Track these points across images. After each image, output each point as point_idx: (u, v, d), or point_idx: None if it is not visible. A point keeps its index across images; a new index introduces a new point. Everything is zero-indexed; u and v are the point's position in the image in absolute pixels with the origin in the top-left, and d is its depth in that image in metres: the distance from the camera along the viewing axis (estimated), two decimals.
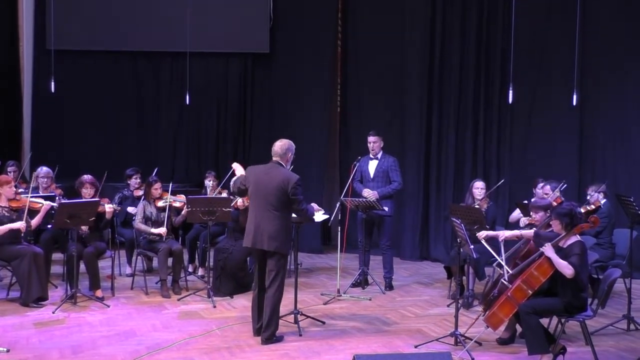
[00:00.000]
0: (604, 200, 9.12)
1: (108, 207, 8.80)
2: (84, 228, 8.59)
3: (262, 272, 7.19)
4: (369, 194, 9.31)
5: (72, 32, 12.63)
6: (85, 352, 6.80)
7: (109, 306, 8.34)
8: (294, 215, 7.34)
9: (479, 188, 9.02)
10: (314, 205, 7.57)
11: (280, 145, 7.22)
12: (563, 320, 6.72)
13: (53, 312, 8.01)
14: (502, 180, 9.68)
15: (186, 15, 12.28)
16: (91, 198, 8.67)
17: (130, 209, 9.78)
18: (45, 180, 9.67)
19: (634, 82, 10.71)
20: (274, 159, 7.21)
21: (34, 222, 8.53)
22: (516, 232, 7.18)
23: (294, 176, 7.10)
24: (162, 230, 9.06)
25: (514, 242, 7.51)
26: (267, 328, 7.07)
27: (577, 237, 6.58)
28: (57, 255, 9.60)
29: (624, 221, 8.77)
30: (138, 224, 9.19)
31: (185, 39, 12.20)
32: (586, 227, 6.74)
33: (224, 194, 9.82)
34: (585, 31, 10.60)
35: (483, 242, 7.42)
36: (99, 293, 8.63)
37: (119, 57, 13.22)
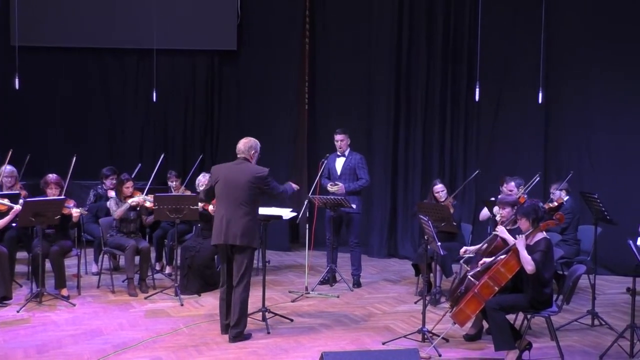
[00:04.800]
0: (567, 197, 9.23)
1: (75, 212, 8.65)
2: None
3: (229, 269, 7.17)
4: (335, 187, 9.32)
5: (37, 28, 12.45)
6: (50, 351, 6.73)
7: (74, 305, 8.27)
8: (263, 212, 7.36)
9: (439, 192, 9.07)
10: (292, 185, 7.57)
11: (244, 142, 7.24)
12: (529, 316, 6.79)
13: (17, 312, 7.91)
14: (476, 172, 9.78)
15: (152, 12, 12.20)
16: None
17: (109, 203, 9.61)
18: (9, 179, 9.50)
19: (598, 81, 10.80)
20: (238, 156, 7.22)
21: (1, 223, 8.41)
22: (476, 247, 7.16)
23: (263, 170, 7.12)
24: (139, 199, 9.00)
25: (482, 239, 7.56)
26: (235, 326, 7.05)
27: (544, 234, 6.65)
28: (21, 254, 9.49)
29: (589, 218, 8.87)
30: (114, 212, 9.11)
31: (152, 36, 12.12)
32: (552, 224, 6.81)
33: (188, 193, 9.78)
34: (550, 30, 10.70)
35: (464, 255, 7.46)
36: (64, 292, 8.54)
37: (84, 53, 13.08)
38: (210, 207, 8.92)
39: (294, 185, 7.67)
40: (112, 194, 9.70)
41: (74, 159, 8.96)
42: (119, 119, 13.29)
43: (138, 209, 9.18)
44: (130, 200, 9.07)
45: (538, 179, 9.29)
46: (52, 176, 8.78)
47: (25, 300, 8.20)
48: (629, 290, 6.67)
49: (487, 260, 6.79)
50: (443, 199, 9.01)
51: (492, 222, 8.59)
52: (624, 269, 9.55)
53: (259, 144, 7.32)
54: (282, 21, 12.50)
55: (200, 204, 8.91)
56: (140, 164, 10.56)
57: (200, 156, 10.26)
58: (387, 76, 11.84)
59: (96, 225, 9.78)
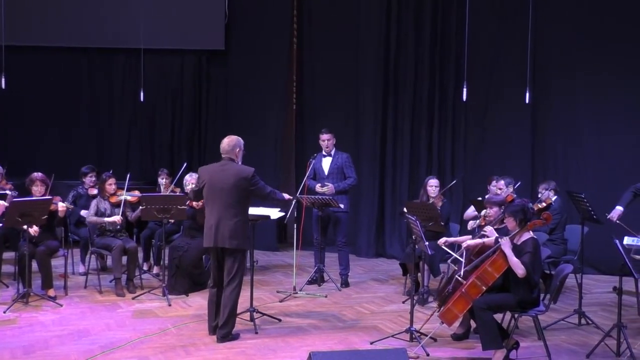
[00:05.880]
0: (555, 197, 9.27)
1: (61, 206, 8.65)
2: (32, 231, 8.22)
3: (219, 270, 7.15)
4: (325, 188, 9.33)
5: (24, 27, 12.39)
6: (37, 352, 6.69)
7: (62, 305, 8.23)
8: (250, 212, 7.36)
9: (433, 186, 9.10)
10: (284, 194, 7.56)
11: (228, 142, 7.19)
12: (516, 315, 6.82)
13: (4, 312, 7.86)
14: (455, 181, 9.87)
15: (140, 11, 12.16)
16: (42, 196, 8.53)
17: (83, 212, 9.57)
18: None
19: (584, 80, 10.85)
20: (223, 156, 7.18)
21: None
22: (479, 241, 7.16)
23: (249, 169, 7.09)
24: (117, 218, 8.96)
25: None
26: (224, 326, 7.03)
27: (531, 234, 6.66)
28: (8, 254, 9.44)
29: (576, 217, 8.90)
30: (90, 217, 9.08)
31: (139, 35, 12.08)
32: (539, 224, 6.82)
33: (177, 192, 9.76)
34: (537, 30, 10.74)
35: (443, 246, 7.53)
36: (51, 292, 8.50)
37: (72, 53, 13.03)
38: (195, 202, 8.92)
39: (286, 196, 7.60)
40: (94, 191, 9.65)
41: (52, 178, 8.89)
42: (106, 119, 13.24)
43: (121, 206, 9.12)
44: (106, 219, 9.01)
45: (520, 183, 9.35)
46: (37, 174, 8.74)
47: (11, 301, 8.17)
48: (616, 289, 6.70)
49: (475, 259, 6.82)
50: (434, 195, 9.04)
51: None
52: (611, 268, 9.59)
53: (241, 140, 7.27)
54: (270, 21, 12.49)
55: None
56: (111, 170, 10.51)
57: (185, 164, 10.19)
58: (374, 77, 11.85)
59: (82, 228, 9.74)
